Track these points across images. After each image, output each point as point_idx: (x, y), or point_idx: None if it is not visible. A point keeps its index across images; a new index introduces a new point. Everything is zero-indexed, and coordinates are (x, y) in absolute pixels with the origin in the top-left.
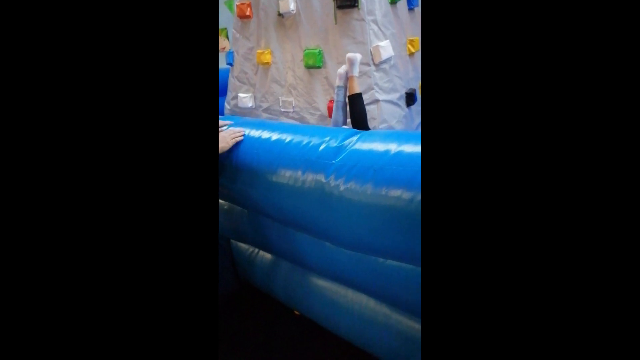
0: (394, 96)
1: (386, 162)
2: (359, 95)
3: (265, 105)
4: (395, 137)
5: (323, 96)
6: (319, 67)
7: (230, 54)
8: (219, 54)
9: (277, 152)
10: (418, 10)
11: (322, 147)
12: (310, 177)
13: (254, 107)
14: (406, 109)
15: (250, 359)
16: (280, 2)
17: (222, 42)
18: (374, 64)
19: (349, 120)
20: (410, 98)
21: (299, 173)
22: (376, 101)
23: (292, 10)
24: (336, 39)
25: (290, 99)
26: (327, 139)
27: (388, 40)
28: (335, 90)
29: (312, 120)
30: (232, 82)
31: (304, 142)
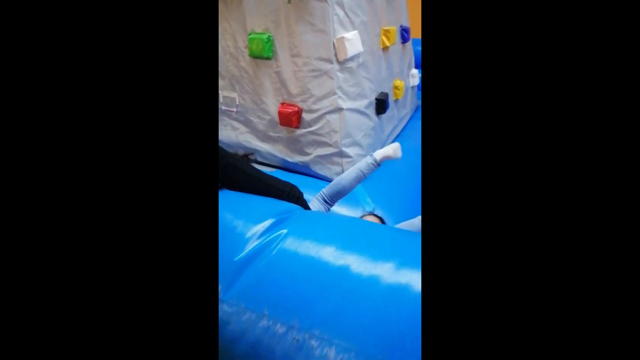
0: (361, 104)
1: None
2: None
3: None
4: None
5: (273, 96)
6: (267, 58)
7: None
8: None
9: None
10: None
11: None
12: None
13: None
14: (375, 119)
15: None
16: None
17: None
18: (337, 61)
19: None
20: (381, 105)
21: None
22: (338, 110)
23: None
24: (290, 23)
25: (234, 94)
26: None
27: (357, 31)
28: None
29: (260, 125)
30: None
31: None
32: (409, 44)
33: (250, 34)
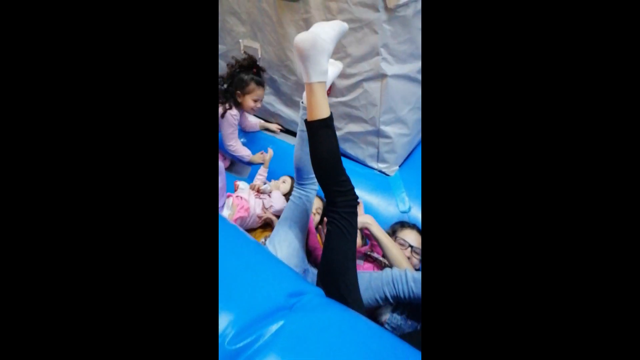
0: (412, 67)
1: None
2: (325, 124)
3: (220, 49)
4: None
5: None
6: (294, 0)
7: None
8: None
9: None
10: None
11: None
12: None
13: None
14: None
15: None
16: None
17: None
18: (386, 7)
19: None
20: None
21: None
22: (381, 76)
23: None
24: None
25: (256, 45)
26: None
27: None
28: (301, 109)
29: (284, 87)
30: None
31: None
32: None
33: None
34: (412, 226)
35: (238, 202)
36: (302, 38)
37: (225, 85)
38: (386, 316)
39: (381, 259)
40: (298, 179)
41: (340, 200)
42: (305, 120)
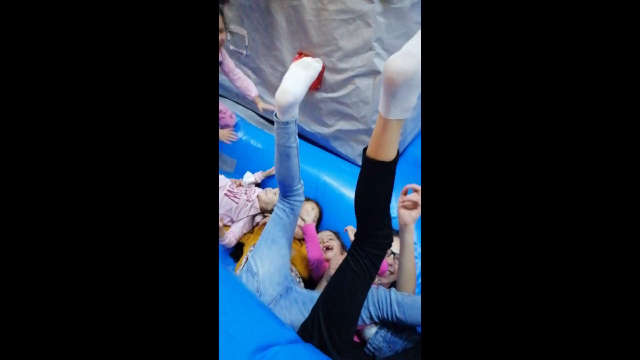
0: None
1: None
2: (389, 169)
3: None
4: None
5: (289, 41)
6: None
7: None
8: None
9: None
10: None
11: None
12: None
13: None
14: None
15: None
16: None
17: None
18: None
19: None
20: None
21: None
22: (373, 73)
23: None
24: None
25: (243, 31)
26: None
27: None
28: (276, 123)
29: (273, 78)
30: None
31: None
32: None
33: None
34: (396, 232)
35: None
36: (400, 67)
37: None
38: (370, 335)
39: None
40: (282, 191)
41: (372, 241)
42: (366, 156)
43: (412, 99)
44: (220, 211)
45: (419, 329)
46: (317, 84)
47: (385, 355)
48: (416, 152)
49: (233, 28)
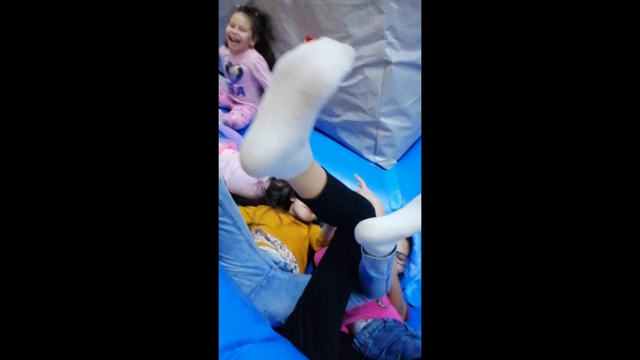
0: (420, 54)
1: None
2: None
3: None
4: None
5: (295, 24)
6: None
7: None
8: None
9: None
10: None
11: None
12: None
13: None
14: None
15: None
16: None
17: None
18: None
19: None
20: None
21: None
22: (384, 63)
23: None
24: None
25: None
26: None
27: None
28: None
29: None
30: None
31: None
32: None
33: None
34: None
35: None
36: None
37: None
38: (357, 330)
39: None
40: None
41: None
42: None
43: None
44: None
45: (410, 328)
46: None
47: (370, 352)
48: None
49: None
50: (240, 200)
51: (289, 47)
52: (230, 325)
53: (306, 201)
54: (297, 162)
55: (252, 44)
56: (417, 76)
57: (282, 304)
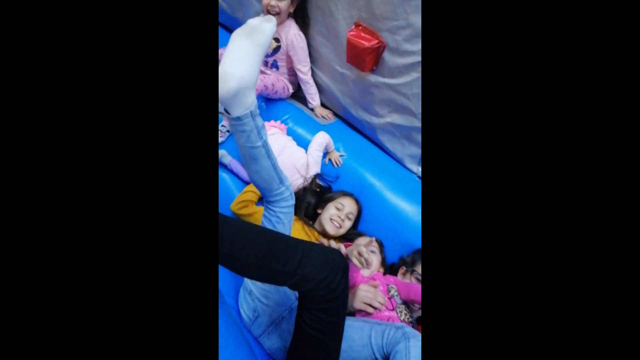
0: None
1: None
2: None
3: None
4: None
5: (346, 7)
6: None
7: None
8: None
9: None
10: None
11: None
12: None
13: None
14: None
15: None
16: None
17: None
18: None
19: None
20: None
21: None
22: None
23: None
24: None
25: None
26: None
27: None
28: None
29: (324, 48)
30: None
31: None
32: None
33: None
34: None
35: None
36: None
37: None
38: None
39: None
40: (264, 197)
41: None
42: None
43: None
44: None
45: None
46: (373, 64)
47: None
48: None
49: None
50: None
51: (334, 32)
52: None
53: None
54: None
55: (292, 10)
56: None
57: None
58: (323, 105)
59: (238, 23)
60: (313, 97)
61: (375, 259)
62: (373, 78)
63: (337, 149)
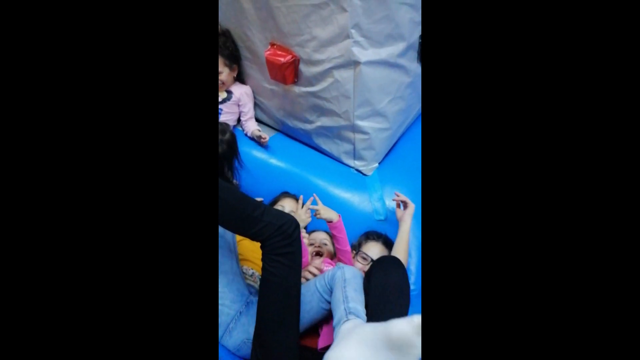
0: (392, 51)
1: None
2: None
3: None
4: None
5: (260, 31)
6: None
7: None
8: None
9: None
10: None
11: None
12: None
13: None
14: (417, 70)
15: None
16: None
17: None
18: None
19: None
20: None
21: None
22: (352, 64)
23: None
24: None
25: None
26: None
27: None
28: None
29: (250, 69)
30: None
31: None
32: None
33: None
34: (378, 237)
35: None
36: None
37: None
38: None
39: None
40: None
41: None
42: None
43: None
44: None
45: None
46: (294, 76)
47: None
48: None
49: None
50: None
51: (254, 53)
52: None
53: None
54: None
55: (235, 74)
56: (390, 74)
57: None
58: (260, 122)
59: None
60: (247, 129)
61: (325, 252)
62: (297, 89)
63: (283, 160)
